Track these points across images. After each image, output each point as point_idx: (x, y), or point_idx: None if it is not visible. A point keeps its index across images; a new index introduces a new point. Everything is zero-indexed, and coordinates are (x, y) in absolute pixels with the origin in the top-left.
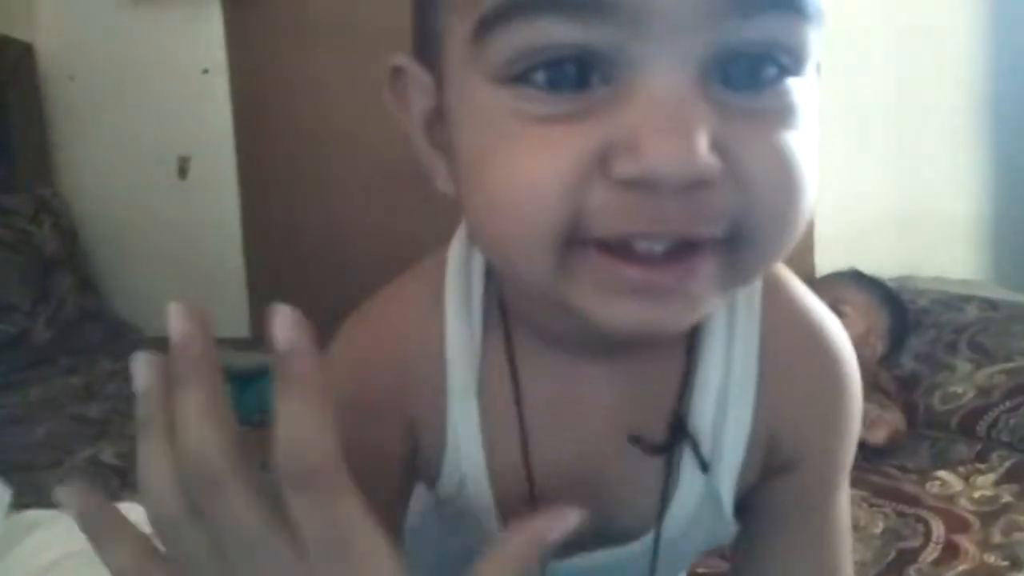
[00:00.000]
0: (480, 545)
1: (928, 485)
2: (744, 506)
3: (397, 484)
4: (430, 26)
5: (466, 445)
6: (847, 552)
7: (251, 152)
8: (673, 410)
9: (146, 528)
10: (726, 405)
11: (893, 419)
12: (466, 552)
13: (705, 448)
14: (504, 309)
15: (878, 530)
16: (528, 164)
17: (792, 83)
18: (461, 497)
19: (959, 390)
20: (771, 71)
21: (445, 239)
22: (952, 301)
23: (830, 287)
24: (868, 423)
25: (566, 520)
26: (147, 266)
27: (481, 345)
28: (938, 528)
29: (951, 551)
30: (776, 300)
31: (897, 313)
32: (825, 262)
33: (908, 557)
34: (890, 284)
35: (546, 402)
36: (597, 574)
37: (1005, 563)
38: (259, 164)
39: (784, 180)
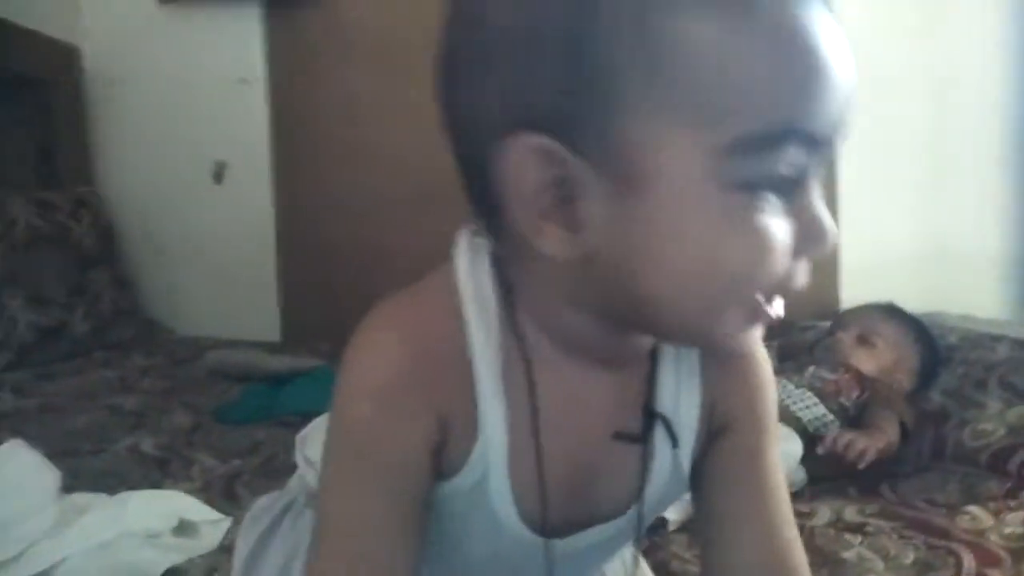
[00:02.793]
0: (492, 535)
1: (958, 519)
2: (698, 476)
3: (428, 476)
4: (599, 118)
5: (495, 439)
6: (786, 504)
7: (287, 162)
8: (645, 403)
9: None
10: (679, 391)
11: (879, 440)
12: (479, 544)
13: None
14: (517, 319)
15: (908, 561)
16: (766, 245)
17: None
18: (479, 489)
19: (989, 427)
20: None
21: None
22: (981, 340)
23: (864, 317)
24: (849, 445)
25: None
26: (181, 268)
27: (500, 347)
28: (969, 561)
29: None
30: None
31: (929, 352)
32: (850, 294)
33: None
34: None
35: (552, 402)
36: (591, 551)
37: None
38: (295, 174)
39: None
